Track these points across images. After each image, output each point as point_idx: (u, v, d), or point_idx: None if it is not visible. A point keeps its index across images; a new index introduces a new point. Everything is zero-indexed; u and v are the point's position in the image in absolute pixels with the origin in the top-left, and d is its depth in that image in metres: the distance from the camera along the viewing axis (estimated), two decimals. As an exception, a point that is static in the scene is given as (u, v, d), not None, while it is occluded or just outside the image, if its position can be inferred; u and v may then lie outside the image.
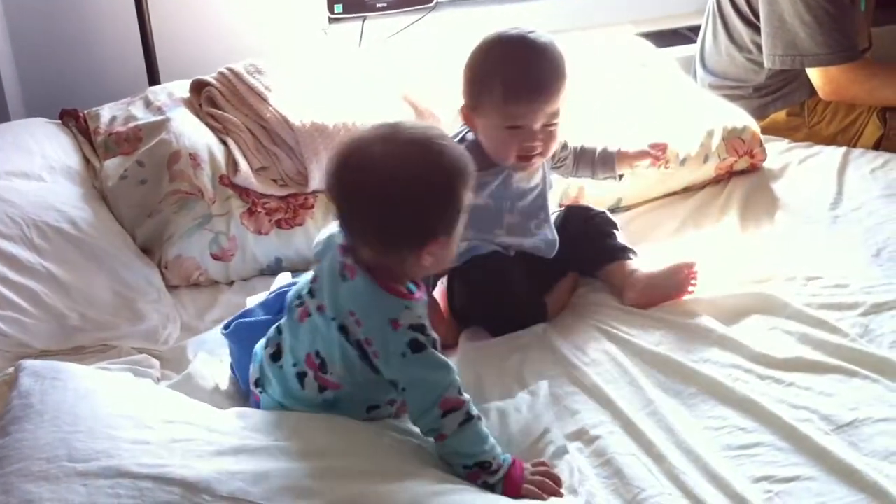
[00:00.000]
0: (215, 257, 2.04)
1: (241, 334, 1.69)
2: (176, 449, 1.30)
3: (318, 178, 2.08)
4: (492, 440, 1.45)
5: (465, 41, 2.54)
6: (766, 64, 2.49)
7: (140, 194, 2.08)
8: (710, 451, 1.51)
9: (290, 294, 1.57)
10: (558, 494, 1.44)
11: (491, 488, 1.42)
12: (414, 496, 1.31)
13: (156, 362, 1.81)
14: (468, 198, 1.45)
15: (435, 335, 1.45)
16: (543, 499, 1.41)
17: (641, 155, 2.00)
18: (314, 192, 2.12)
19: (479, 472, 1.43)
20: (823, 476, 1.44)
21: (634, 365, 1.71)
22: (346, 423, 1.47)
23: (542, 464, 1.49)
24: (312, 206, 2.11)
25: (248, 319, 1.71)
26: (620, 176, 2.05)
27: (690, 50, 2.92)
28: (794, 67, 2.46)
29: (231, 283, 2.08)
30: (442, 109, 2.22)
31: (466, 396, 1.45)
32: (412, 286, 1.49)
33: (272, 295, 1.77)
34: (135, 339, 1.87)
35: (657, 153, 2.01)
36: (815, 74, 2.47)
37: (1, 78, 2.51)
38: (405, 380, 1.44)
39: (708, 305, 1.84)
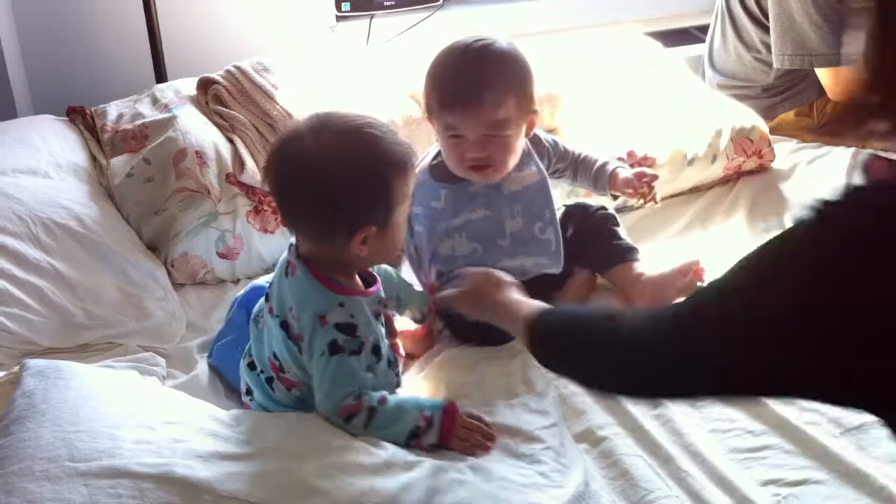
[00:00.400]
0: (221, 255, 2.03)
1: (222, 357, 1.73)
2: (178, 449, 1.30)
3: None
4: (407, 406, 1.46)
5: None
6: (776, 64, 2.47)
7: (146, 192, 2.08)
8: (718, 453, 1.50)
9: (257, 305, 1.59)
10: (485, 448, 1.47)
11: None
12: (422, 489, 1.32)
13: (161, 360, 1.80)
14: (406, 188, 1.47)
15: (366, 338, 1.45)
16: (470, 452, 1.46)
17: (627, 184, 1.94)
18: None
19: (416, 441, 1.45)
20: (832, 479, 1.43)
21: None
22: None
23: (478, 417, 1.51)
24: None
25: (222, 342, 1.75)
26: (614, 196, 2.03)
27: (699, 49, 2.91)
28: (803, 67, 2.44)
29: (237, 282, 2.07)
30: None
31: (364, 394, 1.44)
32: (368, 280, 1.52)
33: (233, 312, 1.79)
34: (140, 337, 1.87)
35: (642, 188, 1.93)
36: (823, 75, 2.45)
37: (8, 75, 2.50)
38: (315, 377, 1.45)
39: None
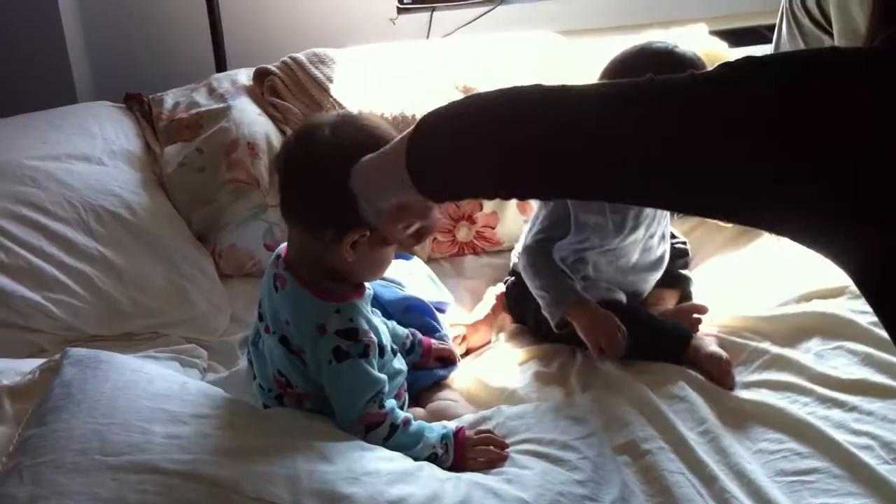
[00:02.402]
0: (268, 248, 2.02)
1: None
2: (207, 444, 1.29)
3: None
4: (427, 434, 1.44)
5: (531, 35, 2.53)
6: None
7: (197, 182, 2.08)
8: (764, 475, 1.44)
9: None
10: (501, 458, 1.45)
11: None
12: (456, 496, 1.29)
13: (203, 353, 1.80)
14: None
15: (370, 339, 1.42)
16: (489, 467, 1.43)
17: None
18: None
19: (431, 460, 1.42)
20: (880, 508, 1.37)
21: (687, 383, 1.65)
22: None
23: (486, 431, 1.49)
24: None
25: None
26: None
27: (768, 49, 2.83)
28: None
29: (284, 275, 2.06)
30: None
31: (389, 406, 1.42)
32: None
33: None
34: (184, 328, 1.87)
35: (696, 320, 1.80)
36: None
37: (70, 61, 2.53)
38: (328, 389, 1.42)
39: (767, 324, 1.77)
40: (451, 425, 1.49)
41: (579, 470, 1.44)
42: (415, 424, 1.44)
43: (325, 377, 1.41)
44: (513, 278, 1.90)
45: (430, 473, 1.35)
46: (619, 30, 2.83)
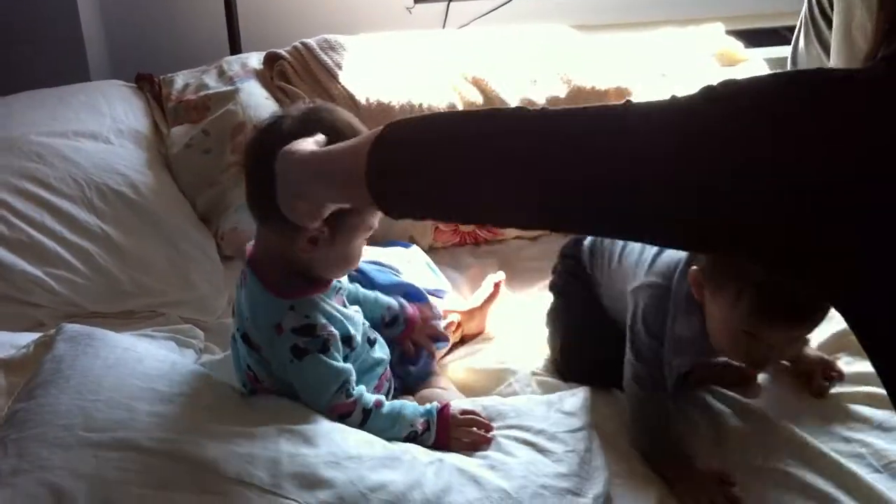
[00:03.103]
0: (271, 232, 2.02)
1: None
2: (191, 425, 1.29)
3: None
4: (405, 412, 1.43)
5: (545, 28, 2.52)
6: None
7: (203, 163, 2.08)
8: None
9: None
10: (486, 441, 1.43)
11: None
12: (431, 488, 1.29)
13: (200, 333, 1.81)
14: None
15: (329, 333, 1.39)
16: (473, 448, 1.42)
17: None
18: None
19: (414, 440, 1.42)
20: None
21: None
22: None
23: (471, 412, 1.47)
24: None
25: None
26: None
27: (785, 51, 2.80)
28: None
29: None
30: (512, 96, 2.17)
31: (356, 393, 1.41)
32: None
33: None
34: (183, 308, 1.88)
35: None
36: None
37: (84, 39, 2.54)
38: (295, 385, 1.41)
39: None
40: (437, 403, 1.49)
41: (564, 463, 1.43)
42: (388, 405, 1.44)
43: (290, 375, 1.40)
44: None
45: (414, 458, 1.34)
46: (635, 26, 2.82)
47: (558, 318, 1.75)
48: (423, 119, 1.13)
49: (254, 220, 1.43)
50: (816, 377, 1.61)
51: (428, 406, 1.47)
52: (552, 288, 1.78)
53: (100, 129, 2.11)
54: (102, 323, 1.68)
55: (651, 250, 1.56)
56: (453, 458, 1.38)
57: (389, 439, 1.39)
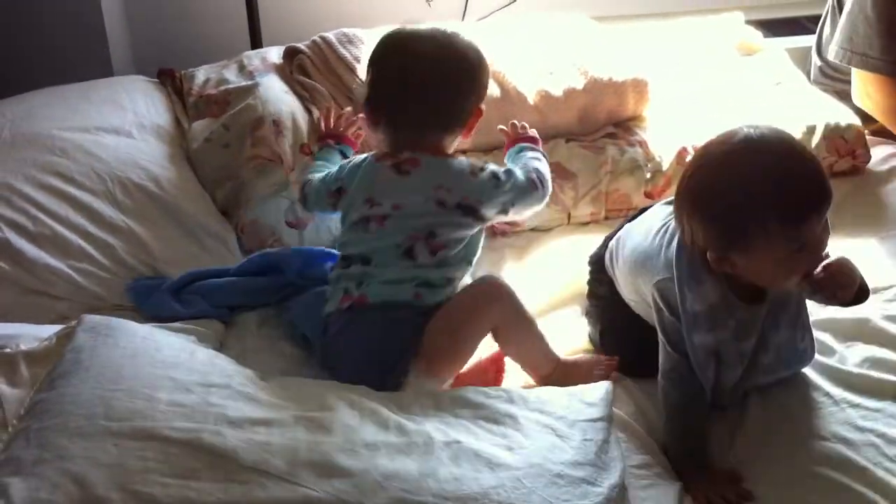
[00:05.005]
0: (290, 225, 2.04)
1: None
2: (210, 413, 1.32)
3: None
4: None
5: (564, 19, 2.51)
6: (828, 55, 2.33)
7: (223, 157, 2.10)
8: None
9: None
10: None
11: None
12: (446, 476, 1.30)
13: (220, 326, 1.82)
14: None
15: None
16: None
17: None
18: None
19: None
20: None
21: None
22: (387, 397, 1.47)
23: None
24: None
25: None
26: None
27: (808, 41, 2.79)
28: (844, 65, 2.27)
29: (304, 251, 2.08)
30: (529, 88, 2.18)
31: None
32: None
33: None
34: (204, 300, 1.90)
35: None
36: (862, 80, 2.27)
37: (107, 35, 2.57)
38: (510, 198, 1.71)
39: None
40: None
41: (581, 451, 1.44)
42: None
43: (500, 196, 1.70)
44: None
45: (429, 441, 1.35)
46: (654, 17, 2.81)
47: (594, 317, 1.81)
48: None
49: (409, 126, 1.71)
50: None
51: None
52: (588, 293, 1.85)
53: (122, 124, 2.14)
54: (125, 316, 1.71)
55: (653, 249, 1.60)
56: (471, 440, 1.39)
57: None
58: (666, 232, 1.59)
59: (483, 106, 1.76)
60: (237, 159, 2.08)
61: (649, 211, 1.73)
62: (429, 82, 1.69)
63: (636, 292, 1.66)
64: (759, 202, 1.41)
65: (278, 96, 2.17)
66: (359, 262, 1.69)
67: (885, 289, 1.82)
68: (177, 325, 1.76)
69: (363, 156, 1.77)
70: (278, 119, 2.10)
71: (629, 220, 1.77)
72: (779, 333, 1.56)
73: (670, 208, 1.61)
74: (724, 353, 1.53)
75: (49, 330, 1.64)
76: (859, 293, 1.53)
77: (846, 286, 1.50)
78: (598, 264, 1.80)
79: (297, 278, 1.84)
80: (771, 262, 1.46)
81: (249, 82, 2.21)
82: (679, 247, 1.53)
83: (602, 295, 1.79)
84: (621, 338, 1.75)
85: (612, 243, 1.76)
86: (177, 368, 1.41)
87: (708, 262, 1.48)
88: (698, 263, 1.50)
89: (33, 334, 1.63)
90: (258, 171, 2.05)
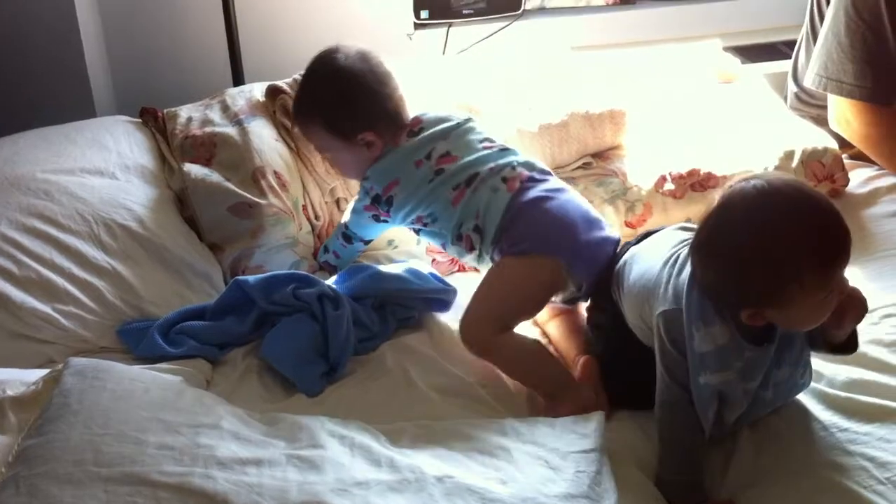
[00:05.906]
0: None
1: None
2: (199, 455, 1.31)
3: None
4: None
5: (546, 52, 2.54)
6: (805, 82, 2.36)
7: (229, 198, 2.07)
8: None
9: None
10: None
11: None
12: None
13: (208, 366, 1.82)
14: None
15: None
16: None
17: None
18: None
19: None
20: None
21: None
22: (379, 430, 1.48)
23: None
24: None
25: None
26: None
27: (784, 66, 2.82)
28: (820, 91, 2.30)
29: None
30: (507, 124, 2.19)
31: None
32: None
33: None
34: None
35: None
36: (837, 106, 2.30)
37: (89, 76, 2.57)
38: None
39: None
40: None
41: (574, 483, 1.44)
42: None
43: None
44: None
45: (422, 477, 1.35)
46: (635, 45, 2.84)
47: (593, 344, 1.81)
48: None
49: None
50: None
51: None
52: (587, 319, 1.86)
53: (106, 166, 2.13)
54: (112, 358, 1.71)
55: (661, 277, 1.59)
56: (463, 474, 1.39)
57: None
58: (676, 262, 1.57)
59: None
60: (251, 205, 2.06)
61: (657, 235, 1.73)
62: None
63: (640, 317, 1.65)
64: (796, 260, 1.40)
65: (271, 145, 2.16)
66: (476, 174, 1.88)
67: (869, 312, 1.83)
68: (163, 365, 1.76)
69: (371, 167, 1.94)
70: (279, 171, 2.12)
71: (635, 243, 1.76)
72: (781, 371, 1.56)
73: (681, 235, 1.63)
74: (728, 393, 1.52)
75: (36, 374, 1.64)
76: (851, 339, 1.57)
77: (861, 313, 1.52)
78: (598, 290, 1.80)
79: (267, 305, 1.86)
80: (807, 310, 1.46)
81: (237, 129, 2.19)
82: (690, 283, 1.52)
83: (601, 325, 1.79)
84: (619, 370, 1.73)
85: (616, 267, 1.75)
86: (165, 409, 1.41)
87: (718, 304, 1.48)
88: (709, 305, 1.49)
89: (19, 379, 1.63)
90: (276, 219, 2.05)
